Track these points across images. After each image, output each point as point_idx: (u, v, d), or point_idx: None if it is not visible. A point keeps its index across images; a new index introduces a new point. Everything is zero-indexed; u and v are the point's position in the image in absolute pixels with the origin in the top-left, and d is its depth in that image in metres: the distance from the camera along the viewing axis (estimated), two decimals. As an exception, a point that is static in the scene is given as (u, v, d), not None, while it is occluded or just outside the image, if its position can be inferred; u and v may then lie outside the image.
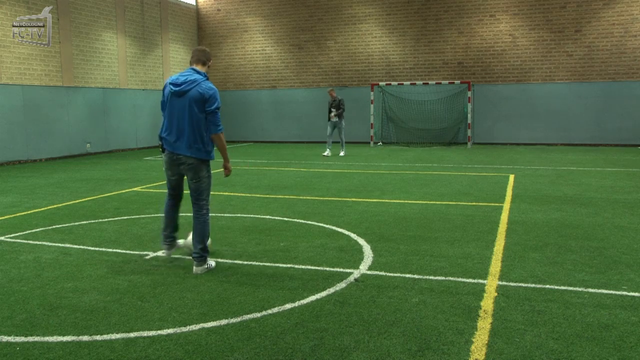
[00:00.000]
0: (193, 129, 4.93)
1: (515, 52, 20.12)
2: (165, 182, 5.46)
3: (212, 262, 5.18)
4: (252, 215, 7.57)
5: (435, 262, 5.26)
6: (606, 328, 3.68)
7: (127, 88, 19.79)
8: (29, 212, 8.01)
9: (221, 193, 9.52)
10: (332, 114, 16.33)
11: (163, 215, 5.41)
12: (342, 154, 16.44)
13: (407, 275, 4.84)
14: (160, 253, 5.51)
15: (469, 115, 19.93)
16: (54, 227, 6.97)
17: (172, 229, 5.35)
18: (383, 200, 8.65)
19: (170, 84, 5.00)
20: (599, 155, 16.02)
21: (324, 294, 4.38)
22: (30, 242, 6.20)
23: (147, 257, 5.50)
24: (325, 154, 16.44)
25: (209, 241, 5.20)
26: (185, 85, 4.94)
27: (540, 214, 7.45)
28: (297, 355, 3.34)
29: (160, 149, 5.18)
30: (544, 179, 10.93)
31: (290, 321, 3.84)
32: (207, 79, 5.08)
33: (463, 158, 15.59)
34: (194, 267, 5.02)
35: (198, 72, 5.05)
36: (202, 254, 5.02)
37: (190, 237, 5.30)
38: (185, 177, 5.16)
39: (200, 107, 4.91)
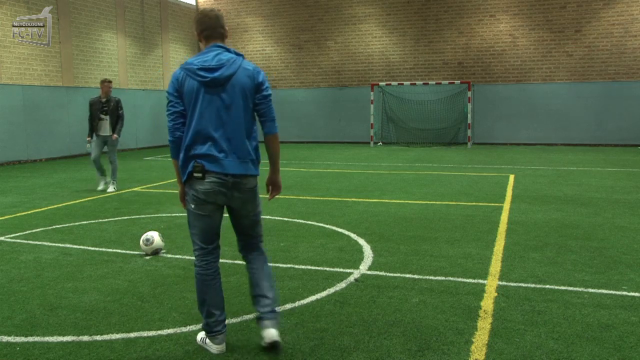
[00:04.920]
0: (246, 133, 3.30)
1: (515, 52, 20.12)
2: (194, 231, 3.34)
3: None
4: (252, 215, 7.56)
5: (435, 262, 5.25)
6: (606, 328, 3.68)
7: (127, 88, 19.78)
8: (29, 212, 8.01)
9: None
10: (101, 129, 9.98)
11: (204, 296, 3.32)
12: (111, 188, 9.95)
13: (407, 275, 4.84)
14: (216, 350, 3.34)
15: (469, 115, 19.93)
16: (54, 227, 6.97)
17: (223, 308, 3.40)
18: (383, 200, 8.65)
19: (200, 69, 3.19)
20: (599, 155, 16.01)
21: (324, 294, 4.38)
22: (31, 242, 6.20)
23: (147, 257, 5.49)
24: (100, 187, 10.10)
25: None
26: (225, 69, 3.20)
27: (540, 214, 7.44)
28: (297, 355, 3.33)
29: (199, 173, 3.19)
30: (544, 179, 10.93)
31: (290, 321, 3.83)
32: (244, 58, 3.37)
33: (463, 158, 15.59)
34: (270, 330, 3.28)
35: (228, 50, 3.31)
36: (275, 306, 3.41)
37: (158, 238, 5.54)
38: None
39: (252, 98, 3.29)
